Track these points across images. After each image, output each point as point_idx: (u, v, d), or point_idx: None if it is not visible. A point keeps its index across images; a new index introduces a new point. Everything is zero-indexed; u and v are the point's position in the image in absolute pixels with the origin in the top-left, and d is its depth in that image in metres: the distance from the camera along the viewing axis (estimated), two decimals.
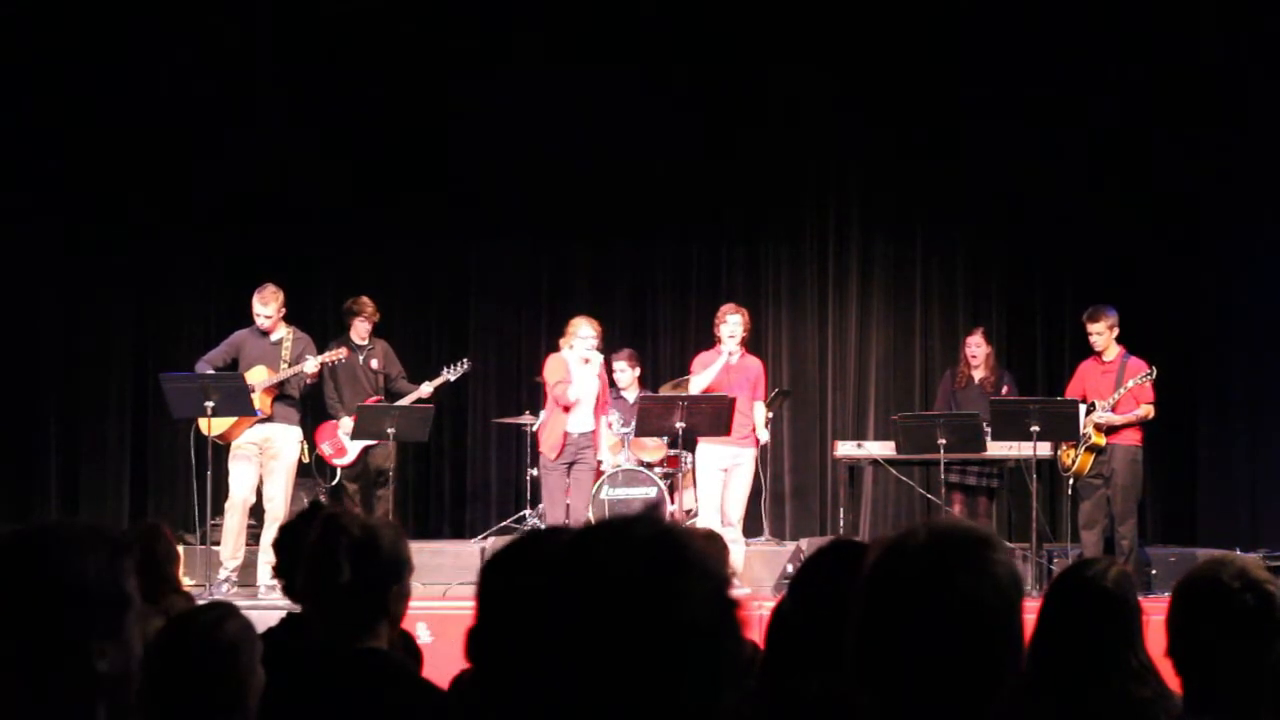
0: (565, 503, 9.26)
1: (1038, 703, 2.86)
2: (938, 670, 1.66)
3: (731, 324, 9.20)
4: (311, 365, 8.96)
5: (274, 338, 9.05)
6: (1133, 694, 2.92)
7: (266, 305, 8.98)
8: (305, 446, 9.15)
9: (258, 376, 8.89)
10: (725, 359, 9.19)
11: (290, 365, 8.95)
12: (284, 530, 3.96)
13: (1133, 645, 2.99)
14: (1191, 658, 2.45)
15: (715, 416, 9.16)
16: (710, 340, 9.44)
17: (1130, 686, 2.93)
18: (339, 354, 9.22)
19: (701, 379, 9.26)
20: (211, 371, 8.90)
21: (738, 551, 9.18)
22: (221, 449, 9.00)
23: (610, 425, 10.08)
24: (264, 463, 8.95)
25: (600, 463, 9.64)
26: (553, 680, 1.37)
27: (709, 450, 9.21)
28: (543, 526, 9.92)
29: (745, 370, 9.28)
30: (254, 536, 9.15)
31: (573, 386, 9.16)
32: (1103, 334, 9.22)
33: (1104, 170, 11.30)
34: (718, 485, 9.18)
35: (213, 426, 8.81)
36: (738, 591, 1.45)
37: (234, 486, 8.92)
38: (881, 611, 1.70)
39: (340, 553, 2.91)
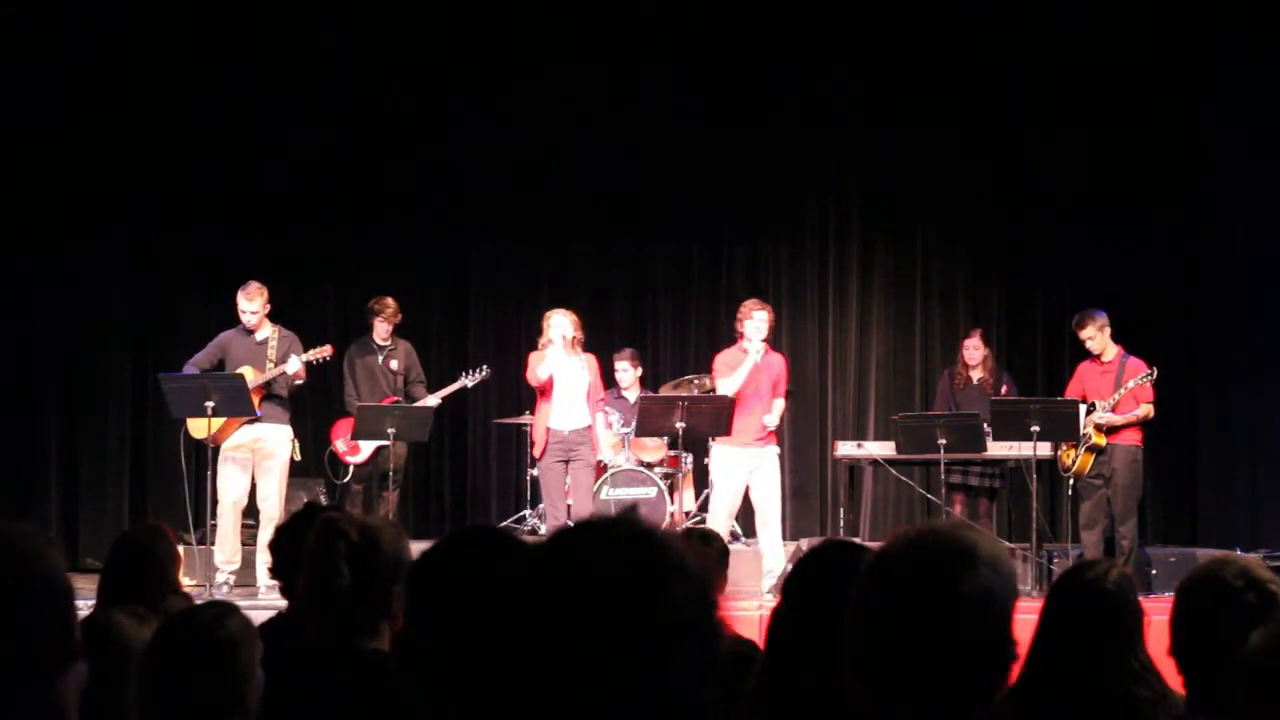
0: (567, 502, 9.21)
1: (1038, 704, 2.85)
2: (924, 674, 1.67)
3: (758, 320, 8.99)
4: (294, 365, 8.93)
5: (259, 337, 9.03)
6: (1133, 695, 2.92)
7: (252, 301, 8.95)
8: (297, 445, 9.11)
9: (245, 378, 8.87)
10: (754, 359, 8.96)
11: (276, 364, 8.93)
12: (280, 531, 3.95)
13: (1133, 646, 3.00)
14: (1195, 657, 2.45)
15: (715, 416, 9.13)
16: (711, 340, 9.36)
17: (1131, 688, 2.93)
18: (323, 352, 9.19)
19: (731, 382, 8.98)
20: (198, 373, 8.89)
21: (776, 544, 9.01)
22: (214, 451, 8.98)
23: (610, 425, 10.06)
24: (257, 463, 8.93)
25: (600, 461, 9.58)
26: (528, 682, 1.37)
27: (730, 453, 9.02)
28: (542, 526, 9.94)
29: (769, 369, 9.11)
30: (250, 537, 9.14)
31: (544, 364, 9.04)
32: (1094, 337, 9.20)
33: (1104, 170, 11.29)
34: (734, 488, 8.98)
35: (201, 429, 8.81)
36: (719, 591, 1.44)
37: (224, 491, 8.88)
38: (870, 617, 1.71)
39: (339, 556, 2.91)
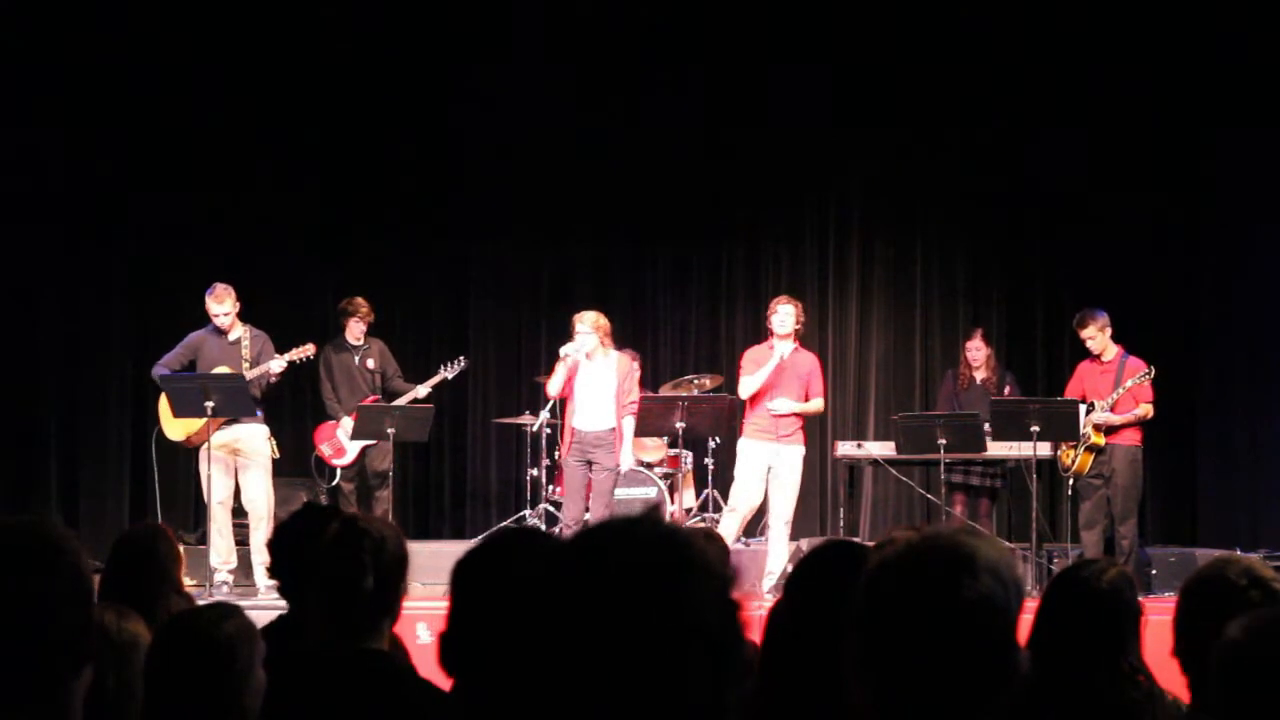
0: (585, 503, 9.11)
1: (1030, 702, 2.85)
2: (925, 682, 1.66)
3: (783, 314, 8.92)
4: (278, 365, 8.94)
5: (231, 337, 9.02)
6: (1122, 695, 2.92)
7: (221, 303, 8.94)
8: (274, 443, 9.10)
9: (244, 378, 8.86)
10: (778, 360, 8.87)
11: (252, 365, 8.92)
12: (280, 530, 3.93)
13: (1125, 646, 2.99)
14: (1199, 657, 2.44)
15: (715, 416, 9.11)
16: (705, 339, 9.33)
17: (1119, 688, 2.93)
18: (305, 351, 9.18)
19: (752, 381, 8.90)
20: (168, 373, 8.87)
21: (783, 546, 8.99)
22: (191, 452, 8.97)
23: None
24: (238, 464, 8.93)
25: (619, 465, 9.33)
26: (553, 682, 1.37)
27: (751, 446, 8.94)
28: (542, 527, 9.92)
29: (795, 366, 8.97)
30: (242, 537, 9.15)
31: (553, 380, 9.02)
32: (1095, 337, 9.19)
33: (1104, 170, 11.29)
34: (755, 481, 8.90)
35: (177, 431, 8.82)
36: (740, 592, 1.44)
37: (208, 493, 8.90)
38: (869, 624, 1.71)
39: (365, 558, 2.93)
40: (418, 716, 2.78)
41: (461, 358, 10.28)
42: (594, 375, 9.00)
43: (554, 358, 9.35)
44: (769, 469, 8.91)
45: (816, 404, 9.10)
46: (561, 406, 9.40)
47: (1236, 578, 2.46)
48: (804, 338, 11.78)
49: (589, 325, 8.97)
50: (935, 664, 1.65)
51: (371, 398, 9.78)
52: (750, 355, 9.10)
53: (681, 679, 1.35)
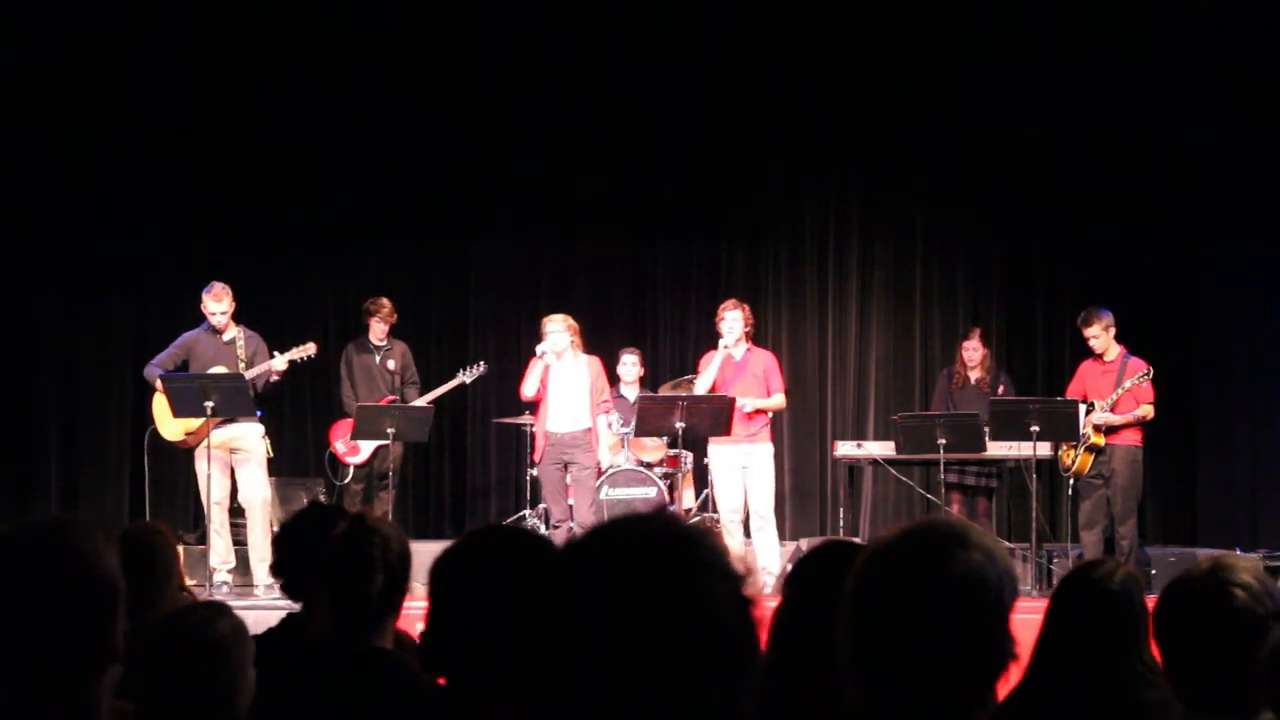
0: (568, 503, 9.20)
1: (1042, 705, 2.85)
2: (916, 668, 1.66)
3: (729, 320, 9.13)
4: (280, 363, 8.95)
5: (226, 337, 9.02)
6: (1138, 697, 2.91)
7: (219, 301, 8.94)
8: (269, 443, 9.09)
9: (245, 378, 8.86)
10: (722, 355, 9.12)
11: (247, 365, 8.92)
12: (285, 529, 3.93)
13: (1138, 648, 2.98)
14: (1189, 656, 2.44)
15: (715, 416, 9.13)
16: (712, 340, 9.35)
17: (1135, 689, 2.93)
18: (305, 350, 9.18)
19: (703, 379, 9.21)
20: (160, 373, 8.88)
21: (771, 543, 9.13)
22: (189, 453, 8.99)
23: (610, 425, 10.03)
24: (234, 461, 8.94)
25: (599, 463, 9.55)
26: (566, 685, 1.36)
27: (722, 451, 9.13)
28: (542, 527, 9.93)
29: (751, 365, 9.17)
30: (240, 538, 9.14)
31: (528, 381, 9.16)
32: (1099, 336, 9.20)
33: (1104, 170, 11.29)
34: (735, 485, 9.10)
35: (174, 430, 8.82)
36: (753, 590, 1.43)
37: (208, 492, 8.90)
38: (863, 604, 1.71)
39: (375, 557, 2.95)
40: (424, 715, 2.79)
41: (481, 362, 10.31)
42: (566, 377, 9.17)
43: None
44: (744, 468, 9.10)
45: (778, 399, 9.32)
46: (531, 413, 9.48)
47: (1223, 577, 2.45)
48: (803, 337, 11.87)
49: (560, 325, 9.16)
50: (927, 643, 1.64)
51: (389, 398, 9.80)
52: (704, 360, 9.40)
53: (697, 679, 1.35)
